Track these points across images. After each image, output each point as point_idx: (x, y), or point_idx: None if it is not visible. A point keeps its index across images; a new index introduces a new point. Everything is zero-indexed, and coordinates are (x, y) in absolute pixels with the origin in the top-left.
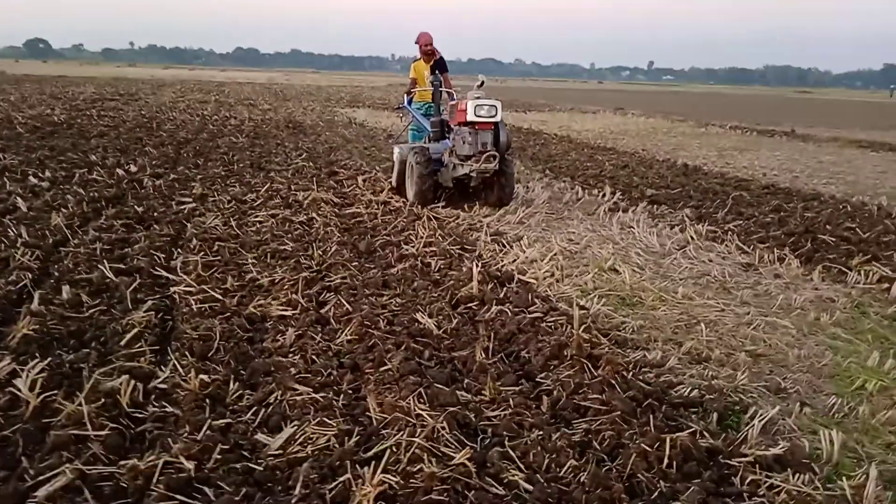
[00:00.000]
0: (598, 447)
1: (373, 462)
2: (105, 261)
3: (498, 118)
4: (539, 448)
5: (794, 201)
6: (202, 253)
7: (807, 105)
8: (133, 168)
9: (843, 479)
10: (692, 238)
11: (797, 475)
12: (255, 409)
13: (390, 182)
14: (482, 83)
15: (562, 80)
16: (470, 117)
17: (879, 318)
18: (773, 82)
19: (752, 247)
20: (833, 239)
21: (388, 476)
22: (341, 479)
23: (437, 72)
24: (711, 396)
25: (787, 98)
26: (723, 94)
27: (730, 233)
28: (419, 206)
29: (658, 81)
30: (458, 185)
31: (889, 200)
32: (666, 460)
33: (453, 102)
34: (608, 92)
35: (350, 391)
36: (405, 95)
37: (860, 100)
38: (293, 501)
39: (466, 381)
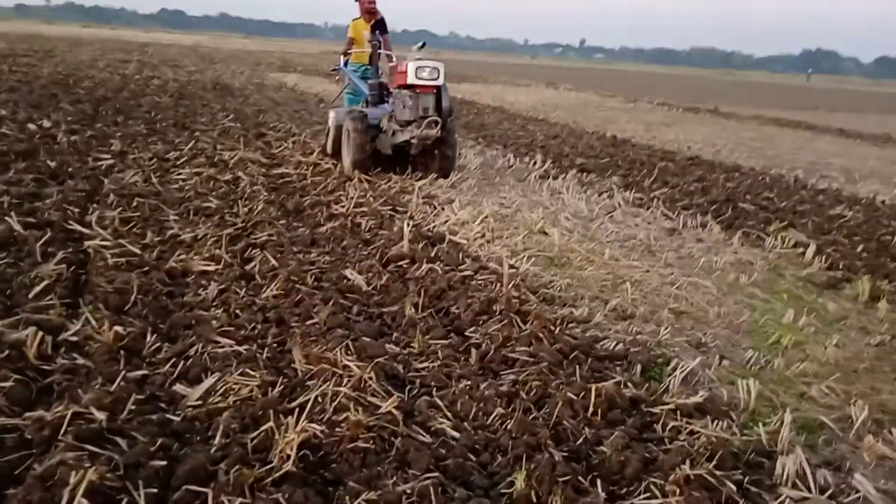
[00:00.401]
0: (525, 397)
1: (297, 411)
2: (13, 213)
3: (440, 81)
4: (467, 397)
5: (716, 172)
6: (120, 209)
7: (730, 85)
8: (46, 123)
9: (760, 425)
10: (619, 204)
11: (716, 422)
12: (173, 361)
13: (322, 146)
14: (423, 44)
15: (496, 53)
16: (411, 80)
17: (795, 280)
18: (699, 63)
19: (676, 213)
20: (752, 207)
21: (313, 425)
22: (263, 427)
23: (377, 32)
24: (636, 350)
25: (712, 79)
26: (651, 73)
27: (655, 200)
28: (354, 173)
29: (589, 59)
30: (398, 152)
31: (805, 173)
32: (591, 408)
33: (393, 64)
34: (541, 67)
35: (275, 345)
36: (341, 56)
37: (780, 83)
38: (212, 451)
39: (395, 335)
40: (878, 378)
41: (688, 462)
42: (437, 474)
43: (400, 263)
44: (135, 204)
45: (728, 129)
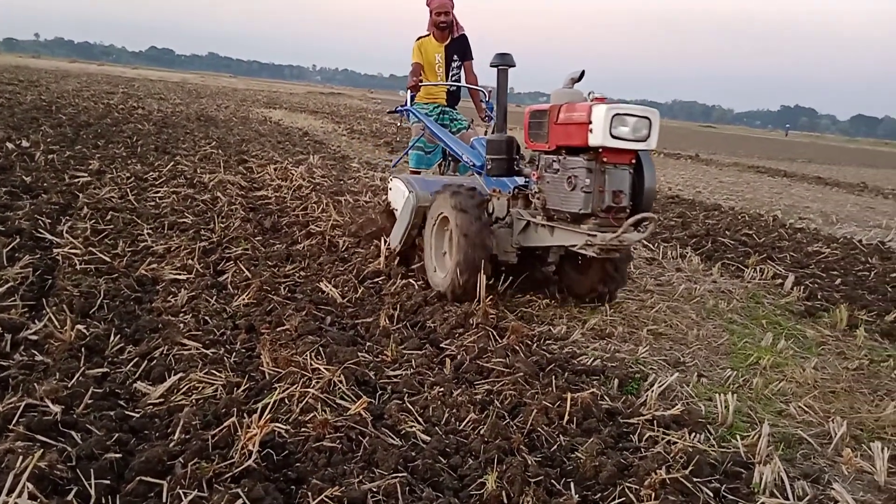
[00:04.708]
0: (499, 405)
1: (261, 410)
2: None
3: (651, 144)
4: (439, 403)
5: (696, 210)
6: (93, 221)
7: (710, 137)
8: (25, 143)
9: (738, 438)
10: None
11: (693, 434)
12: (136, 361)
13: (373, 237)
14: (582, 74)
15: None
16: (598, 139)
17: (773, 308)
18: (681, 116)
19: (656, 244)
20: (732, 242)
21: (279, 425)
22: (226, 423)
23: (455, 58)
24: (613, 365)
25: (693, 130)
26: None
27: None
28: (453, 298)
29: None
30: (526, 258)
31: (783, 214)
32: (566, 417)
33: (540, 107)
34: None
35: (243, 350)
36: (408, 91)
37: (759, 136)
38: (171, 445)
39: (368, 344)
40: (856, 398)
41: (663, 468)
42: (404, 474)
43: (376, 279)
44: (109, 217)
45: (708, 175)
